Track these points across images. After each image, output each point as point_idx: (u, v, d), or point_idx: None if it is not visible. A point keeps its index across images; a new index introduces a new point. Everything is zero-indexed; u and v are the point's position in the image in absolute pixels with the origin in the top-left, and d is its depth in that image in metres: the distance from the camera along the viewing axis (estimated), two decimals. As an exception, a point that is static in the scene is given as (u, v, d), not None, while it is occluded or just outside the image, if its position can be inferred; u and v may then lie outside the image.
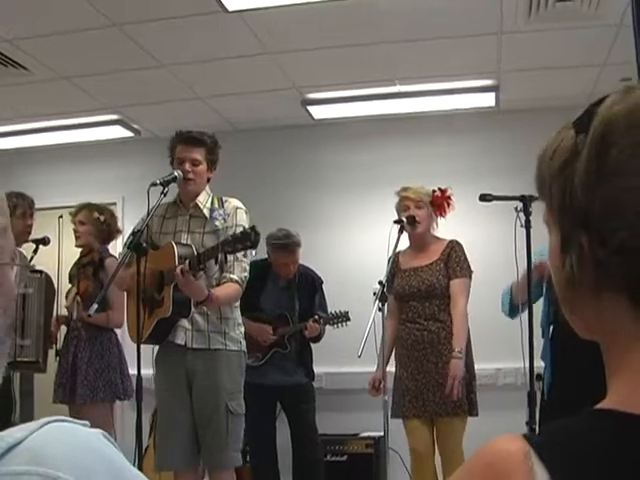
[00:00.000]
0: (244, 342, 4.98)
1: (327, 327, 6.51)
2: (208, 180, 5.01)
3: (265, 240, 6.19)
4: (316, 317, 6.41)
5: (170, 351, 4.81)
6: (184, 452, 4.76)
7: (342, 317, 6.41)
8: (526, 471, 0.84)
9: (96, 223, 6.12)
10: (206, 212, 4.89)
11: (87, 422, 0.87)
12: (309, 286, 6.64)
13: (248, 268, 4.82)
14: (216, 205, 4.92)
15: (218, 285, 4.74)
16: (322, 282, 6.74)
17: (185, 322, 4.75)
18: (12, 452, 0.78)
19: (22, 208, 5.98)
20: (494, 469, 0.85)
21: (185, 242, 4.79)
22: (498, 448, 0.88)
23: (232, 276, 4.73)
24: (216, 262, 4.60)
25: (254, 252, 4.57)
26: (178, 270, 4.42)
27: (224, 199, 4.98)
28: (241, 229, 4.51)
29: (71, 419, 0.87)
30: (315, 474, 6.50)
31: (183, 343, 4.77)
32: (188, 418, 4.77)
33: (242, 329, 5.00)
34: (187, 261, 4.45)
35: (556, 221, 0.96)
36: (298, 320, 6.50)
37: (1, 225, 0.93)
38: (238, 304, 4.99)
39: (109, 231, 6.17)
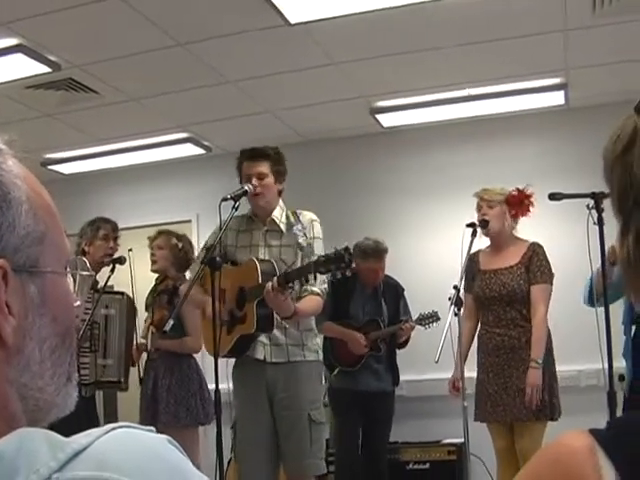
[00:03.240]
0: (321, 352, 5.00)
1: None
2: (280, 193, 4.98)
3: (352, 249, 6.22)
4: (408, 318, 6.48)
5: (249, 366, 4.81)
6: (265, 464, 4.77)
7: (432, 317, 6.43)
8: (593, 467, 0.83)
9: (174, 249, 6.19)
10: (282, 227, 4.87)
11: (152, 428, 0.87)
12: (393, 293, 6.71)
13: (327, 279, 4.82)
14: (292, 219, 4.90)
15: (299, 298, 4.72)
16: (404, 289, 6.78)
17: (263, 337, 4.74)
18: (77, 458, 0.78)
19: (105, 230, 6.06)
20: (560, 465, 0.86)
21: (263, 257, 4.78)
22: (564, 444, 0.88)
23: (313, 289, 4.72)
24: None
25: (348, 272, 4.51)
26: (269, 287, 4.38)
27: (298, 212, 4.96)
28: (332, 250, 4.41)
29: (136, 425, 0.86)
30: None
31: (262, 358, 4.76)
32: (268, 430, 4.77)
33: (319, 340, 5.02)
34: (275, 278, 4.41)
35: (618, 205, 0.95)
36: (387, 326, 6.53)
37: (38, 232, 0.94)
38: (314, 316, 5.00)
39: (186, 258, 6.17)
